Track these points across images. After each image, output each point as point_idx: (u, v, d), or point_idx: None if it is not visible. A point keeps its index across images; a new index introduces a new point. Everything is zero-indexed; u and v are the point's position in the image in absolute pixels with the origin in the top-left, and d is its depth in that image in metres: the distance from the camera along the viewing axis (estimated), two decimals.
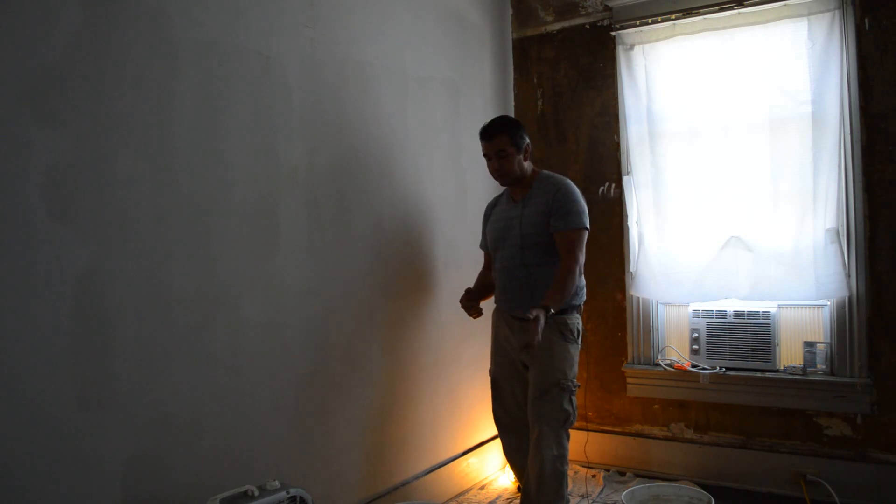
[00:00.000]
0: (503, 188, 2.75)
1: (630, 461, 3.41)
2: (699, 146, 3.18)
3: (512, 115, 3.71)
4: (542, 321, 2.23)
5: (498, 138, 2.52)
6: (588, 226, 2.48)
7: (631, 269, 3.40)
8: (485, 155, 2.59)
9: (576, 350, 2.50)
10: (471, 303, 2.64)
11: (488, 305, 2.77)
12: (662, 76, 3.27)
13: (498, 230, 2.62)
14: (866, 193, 2.88)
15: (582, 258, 2.45)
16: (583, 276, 2.56)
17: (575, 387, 2.46)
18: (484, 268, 2.86)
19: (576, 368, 2.49)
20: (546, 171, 2.62)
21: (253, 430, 2.13)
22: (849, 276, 2.89)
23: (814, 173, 2.92)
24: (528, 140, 2.58)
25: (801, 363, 3.00)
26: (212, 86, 2.02)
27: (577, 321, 2.52)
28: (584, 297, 2.59)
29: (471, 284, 2.82)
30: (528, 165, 2.59)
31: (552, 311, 2.30)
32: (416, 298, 2.92)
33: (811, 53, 2.92)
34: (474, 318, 2.67)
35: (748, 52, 3.06)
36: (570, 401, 2.44)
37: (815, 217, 2.93)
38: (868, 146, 2.88)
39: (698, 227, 3.19)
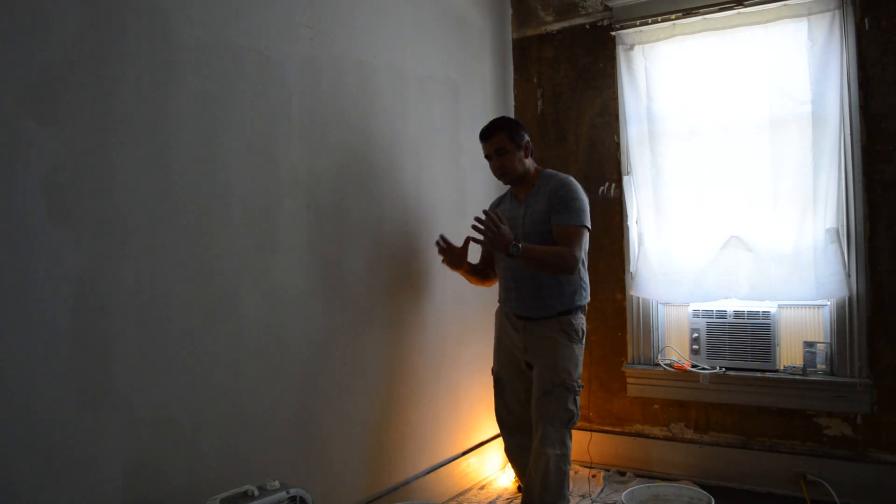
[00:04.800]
0: (507, 189, 2.75)
1: (630, 461, 3.41)
2: (699, 146, 3.18)
3: (512, 115, 3.71)
4: (504, 231, 2.26)
5: (496, 137, 2.53)
6: (589, 225, 2.46)
7: (631, 269, 3.40)
8: (486, 157, 2.60)
9: (580, 350, 2.50)
10: (447, 244, 2.66)
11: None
12: (662, 76, 3.27)
13: None
14: (866, 193, 2.88)
15: (579, 254, 2.40)
16: (587, 277, 2.55)
17: (579, 387, 2.46)
18: (479, 262, 2.86)
19: (580, 368, 2.49)
20: (549, 170, 2.62)
21: (253, 430, 2.13)
22: (849, 276, 2.89)
23: (814, 173, 2.92)
24: (527, 137, 2.57)
25: (801, 363, 3.00)
26: (211, 86, 2.01)
27: (581, 321, 2.52)
28: (588, 298, 2.57)
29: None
30: (530, 163, 2.59)
31: (518, 248, 2.27)
32: (416, 298, 2.92)
33: (811, 53, 2.92)
34: (445, 261, 2.69)
35: (748, 52, 3.06)
36: (574, 401, 2.44)
37: (815, 217, 2.93)
38: (868, 146, 2.88)
39: (698, 227, 3.19)
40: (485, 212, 2.33)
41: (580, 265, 2.44)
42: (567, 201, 2.43)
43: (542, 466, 2.39)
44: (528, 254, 2.30)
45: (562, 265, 2.36)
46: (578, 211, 2.42)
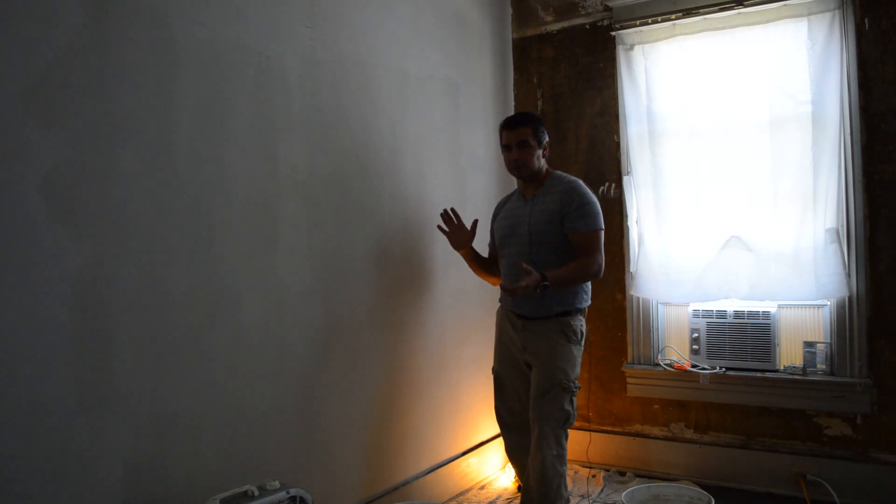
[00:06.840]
0: (511, 191, 2.78)
1: (630, 461, 3.41)
2: (699, 146, 3.18)
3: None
4: (531, 280, 2.31)
5: (522, 128, 2.56)
6: (603, 226, 2.53)
7: (631, 269, 3.40)
8: (505, 146, 2.61)
9: (578, 352, 2.51)
10: (457, 219, 2.75)
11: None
12: (662, 76, 3.27)
13: (506, 227, 2.64)
14: (866, 193, 2.88)
15: (601, 256, 2.49)
16: (589, 281, 2.57)
17: (576, 388, 2.47)
18: (487, 257, 2.88)
19: (578, 370, 2.50)
20: (558, 172, 2.65)
21: (253, 430, 2.13)
22: (849, 276, 2.89)
23: (814, 173, 2.92)
24: (547, 138, 2.62)
25: (801, 363, 3.00)
26: (212, 86, 2.02)
27: (580, 323, 2.53)
28: (589, 302, 2.59)
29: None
30: (543, 163, 2.61)
31: (547, 284, 2.34)
32: (416, 298, 2.92)
33: (811, 53, 2.92)
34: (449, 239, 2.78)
35: (748, 53, 3.06)
36: (571, 401, 2.45)
37: (815, 217, 2.93)
38: (868, 146, 2.88)
39: (698, 227, 3.19)
40: (505, 288, 2.41)
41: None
42: (581, 207, 2.48)
43: (539, 467, 2.39)
44: (557, 279, 2.38)
45: (588, 274, 2.48)
46: (594, 216, 2.50)
